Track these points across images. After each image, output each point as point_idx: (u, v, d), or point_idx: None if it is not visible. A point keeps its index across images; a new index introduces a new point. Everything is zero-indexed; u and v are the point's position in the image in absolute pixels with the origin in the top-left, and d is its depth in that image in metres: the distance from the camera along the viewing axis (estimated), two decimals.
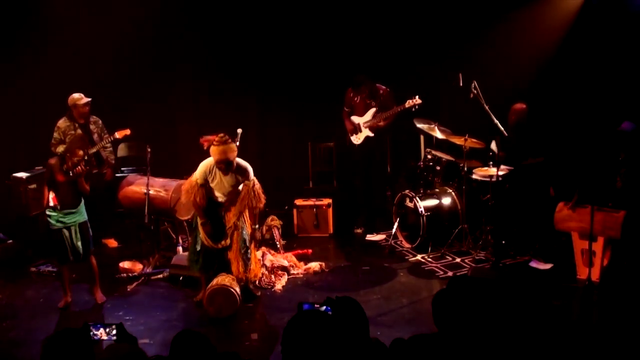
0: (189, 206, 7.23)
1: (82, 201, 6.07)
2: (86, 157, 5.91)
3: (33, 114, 8.78)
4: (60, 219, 5.94)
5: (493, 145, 6.68)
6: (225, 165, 5.75)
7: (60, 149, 7.26)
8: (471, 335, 2.99)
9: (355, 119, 7.95)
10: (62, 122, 7.42)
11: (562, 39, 7.90)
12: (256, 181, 5.97)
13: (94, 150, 7.41)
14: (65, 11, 8.39)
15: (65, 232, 5.96)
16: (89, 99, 7.45)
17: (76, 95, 7.41)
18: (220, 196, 5.95)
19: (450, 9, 8.25)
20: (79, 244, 6.02)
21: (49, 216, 5.96)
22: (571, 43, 7.79)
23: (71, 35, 8.52)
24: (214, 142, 5.75)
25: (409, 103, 7.49)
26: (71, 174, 5.84)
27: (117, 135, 7.46)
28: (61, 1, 8.39)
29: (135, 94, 9.04)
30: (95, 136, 7.50)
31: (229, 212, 5.98)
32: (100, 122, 7.62)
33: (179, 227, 7.46)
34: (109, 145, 7.63)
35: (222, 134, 5.83)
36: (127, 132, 7.47)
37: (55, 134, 7.41)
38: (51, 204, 5.93)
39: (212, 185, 5.89)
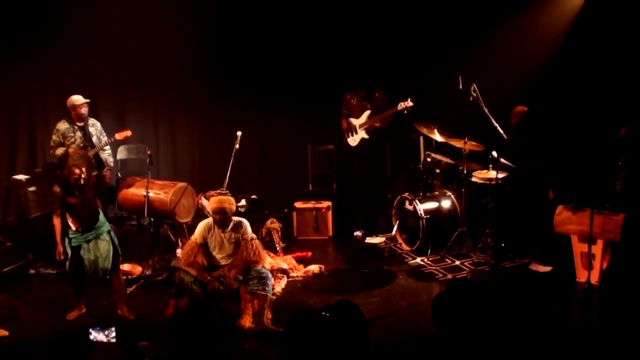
0: (188, 208, 7.25)
1: (100, 213, 5.91)
2: (83, 175, 5.71)
3: (33, 116, 8.79)
4: (84, 236, 5.76)
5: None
6: (220, 215, 5.68)
7: (60, 151, 7.25)
8: (470, 338, 2.99)
9: (352, 120, 8.00)
10: (61, 125, 7.39)
11: (561, 41, 7.92)
12: (255, 237, 5.84)
13: (93, 152, 7.40)
14: (65, 13, 8.40)
15: (88, 246, 5.74)
16: (88, 100, 7.43)
17: (74, 97, 7.39)
18: (221, 258, 5.80)
19: (449, 12, 8.26)
20: (110, 255, 5.79)
21: (73, 238, 5.75)
22: (571, 46, 7.80)
23: (71, 37, 8.54)
24: (214, 194, 5.78)
25: (400, 106, 7.53)
26: (77, 193, 5.71)
27: (118, 136, 7.43)
28: (60, 3, 8.40)
29: (135, 96, 9.06)
30: (94, 138, 7.48)
31: (230, 273, 5.74)
32: (98, 124, 7.60)
33: (178, 229, 7.46)
34: (107, 147, 7.61)
35: (224, 189, 5.85)
36: (128, 133, 7.45)
37: (54, 137, 7.39)
38: (72, 227, 5.76)
39: (211, 245, 5.77)
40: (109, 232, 5.92)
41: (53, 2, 8.40)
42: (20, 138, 8.77)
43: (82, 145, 7.38)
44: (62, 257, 5.82)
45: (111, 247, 5.85)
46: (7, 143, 8.70)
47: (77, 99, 7.38)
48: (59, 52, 8.63)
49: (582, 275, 6.30)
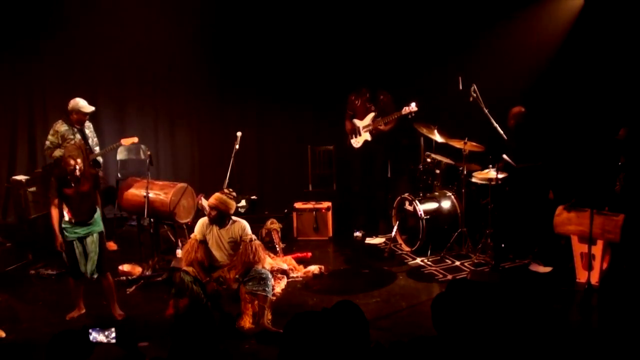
0: (188, 209, 7.25)
1: (97, 211, 5.87)
2: (78, 166, 5.67)
3: (33, 117, 8.78)
4: (75, 230, 5.76)
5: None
6: (215, 212, 5.68)
7: (58, 153, 7.22)
8: (470, 338, 2.99)
9: (356, 122, 8.00)
10: (60, 126, 7.30)
11: (561, 42, 7.92)
12: (255, 239, 5.82)
13: (93, 156, 7.39)
14: (65, 14, 8.40)
15: (78, 243, 5.75)
16: (93, 108, 7.40)
17: (81, 102, 7.30)
18: (220, 257, 5.79)
19: (449, 13, 8.27)
20: (95, 257, 5.78)
21: (64, 229, 5.76)
22: (570, 46, 7.80)
23: (71, 38, 8.54)
24: (219, 191, 5.80)
25: (405, 110, 7.54)
26: (73, 185, 5.69)
27: (123, 142, 7.38)
28: (61, 4, 8.39)
29: (135, 97, 9.06)
30: (90, 140, 7.48)
31: (230, 273, 5.73)
32: (91, 126, 7.57)
33: (178, 230, 7.46)
34: (97, 147, 7.59)
35: (231, 189, 5.91)
36: (135, 140, 7.38)
37: (52, 138, 7.29)
38: (66, 218, 5.76)
39: (210, 242, 5.77)
40: (100, 233, 5.87)
41: (54, 3, 8.40)
42: (20, 138, 8.77)
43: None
44: (63, 248, 5.78)
45: (97, 249, 5.81)
46: (7, 143, 8.69)
47: (84, 105, 7.30)
48: (60, 52, 8.63)
49: (582, 276, 6.30)
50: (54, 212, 5.80)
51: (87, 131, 7.45)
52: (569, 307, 6.11)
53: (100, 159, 7.63)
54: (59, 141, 7.28)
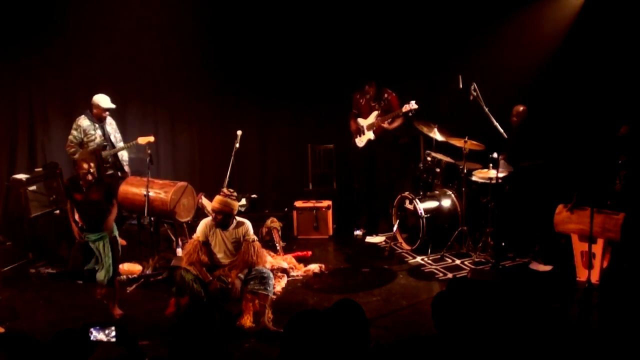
0: (189, 208, 7.25)
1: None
2: (92, 170, 5.66)
3: (33, 117, 8.78)
4: (87, 235, 5.74)
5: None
6: (221, 216, 5.69)
7: (77, 154, 7.23)
8: (471, 337, 2.99)
9: (360, 121, 7.98)
10: (83, 121, 7.37)
11: (561, 41, 7.92)
12: (256, 239, 5.83)
13: (113, 152, 7.43)
14: (65, 14, 8.39)
15: (92, 246, 5.74)
16: (112, 106, 7.45)
17: (104, 99, 7.37)
18: (221, 257, 5.79)
19: (450, 11, 8.26)
20: (109, 261, 5.73)
21: (81, 229, 5.79)
22: (571, 45, 7.80)
23: (71, 37, 8.53)
24: (220, 192, 5.79)
25: (405, 108, 7.52)
26: (84, 190, 5.69)
27: (140, 141, 7.39)
28: (61, 4, 8.38)
29: (135, 96, 9.05)
30: (112, 137, 7.53)
31: (231, 273, 5.74)
32: (114, 123, 7.66)
33: (178, 228, 7.46)
34: (121, 143, 7.62)
35: (232, 190, 5.89)
36: (151, 139, 7.39)
37: (75, 132, 7.37)
38: (79, 222, 5.78)
39: (212, 243, 5.77)
40: (112, 237, 5.83)
41: (54, 3, 8.39)
42: (20, 138, 8.76)
43: (102, 144, 7.40)
44: (82, 237, 5.75)
45: (110, 253, 5.77)
46: (7, 143, 8.68)
47: (102, 100, 7.36)
48: (60, 51, 8.63)
49: (582, 275, 6.30)
50: (69, 209, 5.84)
51: (108, 128, 7.53)
52: (569, 305, 6.11)
53: (125, 156, 7.67)
54: (82, 136, 7.35)
